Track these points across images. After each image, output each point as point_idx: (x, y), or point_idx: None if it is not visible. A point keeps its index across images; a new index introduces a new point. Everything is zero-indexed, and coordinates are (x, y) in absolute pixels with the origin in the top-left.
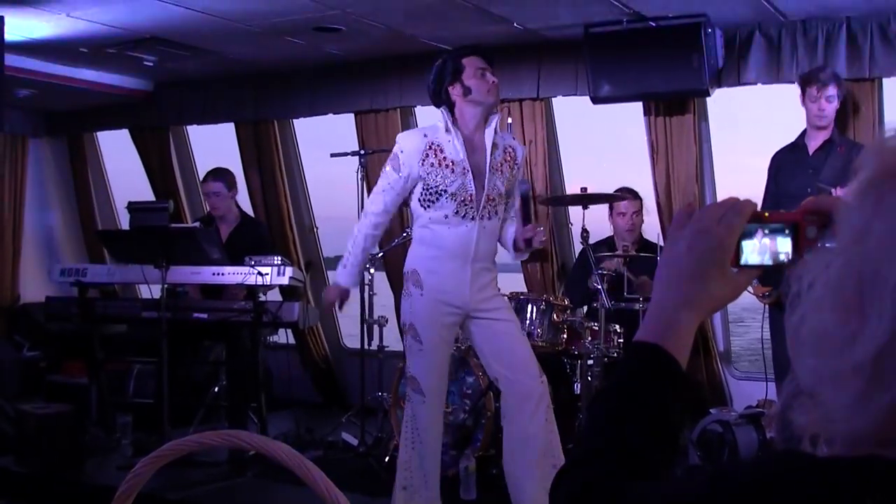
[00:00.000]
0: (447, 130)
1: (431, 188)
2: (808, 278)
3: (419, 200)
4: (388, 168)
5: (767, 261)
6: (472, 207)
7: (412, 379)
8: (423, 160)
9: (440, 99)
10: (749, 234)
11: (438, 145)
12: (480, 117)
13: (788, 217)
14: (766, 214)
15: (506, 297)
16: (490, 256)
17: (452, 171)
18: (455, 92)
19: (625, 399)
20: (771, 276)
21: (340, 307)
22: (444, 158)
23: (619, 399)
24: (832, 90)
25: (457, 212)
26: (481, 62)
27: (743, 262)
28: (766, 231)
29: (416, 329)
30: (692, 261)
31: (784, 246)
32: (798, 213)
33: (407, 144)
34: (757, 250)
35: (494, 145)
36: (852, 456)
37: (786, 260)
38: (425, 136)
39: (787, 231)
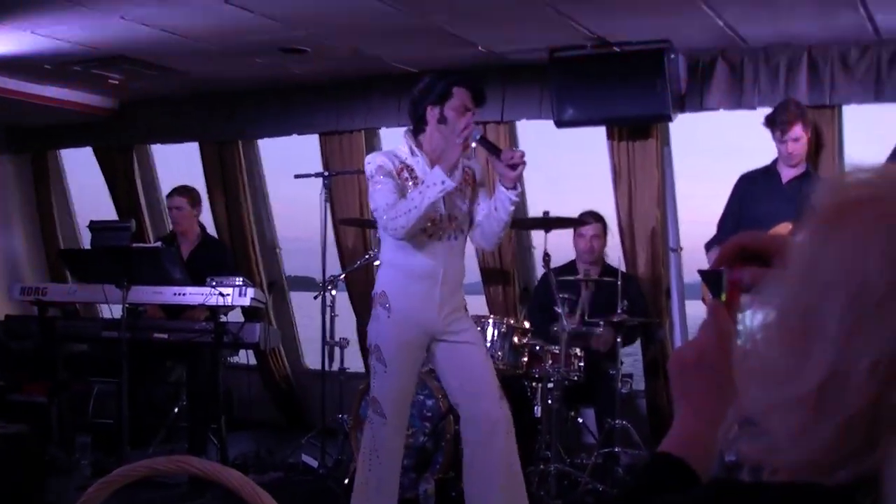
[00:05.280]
0: (413, 154)
1: None
2: (755, 308)
3: None
4: (379, 178)
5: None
6: (440, 227)
7: (374, 400)
8: (399, 174)
9: (416, 114)
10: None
11: (409, 166)
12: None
13: (734, 296)
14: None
15: (472, 320)
16: (459, 279)
17: None
18: (432, 114)
19: None
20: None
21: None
22: (417, 178)
23: None
24: (798, 131)
25: (424, 229)
26: (469, 99)
27: None
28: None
29: (380, 351)
30: (704, 384)
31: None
32: (731, 286)
33: (381, 160)
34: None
35: (456, 165)
36: (788, 482)
37: None
38: (395, 155)
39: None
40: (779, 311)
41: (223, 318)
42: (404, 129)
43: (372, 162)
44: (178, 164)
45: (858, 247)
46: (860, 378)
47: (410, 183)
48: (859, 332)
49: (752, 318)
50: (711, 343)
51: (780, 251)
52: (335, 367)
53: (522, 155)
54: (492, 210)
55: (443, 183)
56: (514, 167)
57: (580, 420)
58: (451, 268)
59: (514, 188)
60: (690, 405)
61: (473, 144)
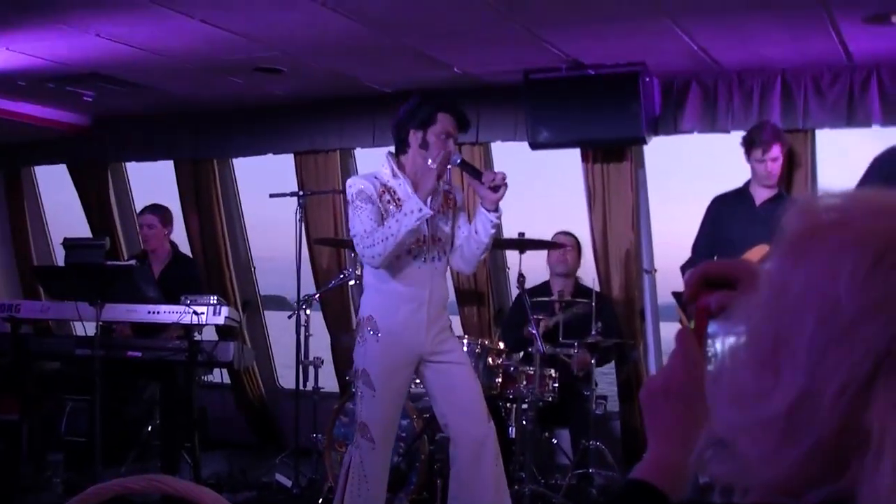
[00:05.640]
0: (395, 176)
1: None
2: (727, 329)
3: None
4: (359, 203)
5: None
6: (425, 249)
7: (362, 425)
8: (380, 197)
9: (399, 136)
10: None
11: (391, 188)
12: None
13: (702, 322)
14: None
15: (458, 340)
16: (444, 300)
17: None
18: (414, 138)
19: None
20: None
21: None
22: (399, 200)
23: None
24: (776, 151)
25: (409, 251)
26: (452, 126)
27: None
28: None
29: (368, 375)
30: (674, 411)
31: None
32: (698, 312)
33: (362, 184)
34: None
35: (435, 190)
36: (759, 503)
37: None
38: (376, 178)
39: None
40: (750, 333)
41: (197, 337)
42: (380, 149)
43: (353, 186)
44: (152, 182)
45: (827, 270)
46: (830, 401)
47: (392, 206)
48: (829, 356)
49: (722, 342)
50: (680, 371)
51: (745, 275)
52: (309, 386)
53: (504, 177)
54: (472, 233)
55: (420, 210)
56: (495, 189)
57: (554, 441)
58: (436, 289)
59: (496, 210)
60: (662, 433)
61: (450, 167)
